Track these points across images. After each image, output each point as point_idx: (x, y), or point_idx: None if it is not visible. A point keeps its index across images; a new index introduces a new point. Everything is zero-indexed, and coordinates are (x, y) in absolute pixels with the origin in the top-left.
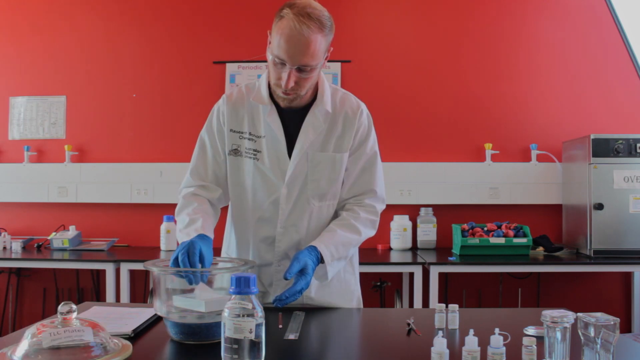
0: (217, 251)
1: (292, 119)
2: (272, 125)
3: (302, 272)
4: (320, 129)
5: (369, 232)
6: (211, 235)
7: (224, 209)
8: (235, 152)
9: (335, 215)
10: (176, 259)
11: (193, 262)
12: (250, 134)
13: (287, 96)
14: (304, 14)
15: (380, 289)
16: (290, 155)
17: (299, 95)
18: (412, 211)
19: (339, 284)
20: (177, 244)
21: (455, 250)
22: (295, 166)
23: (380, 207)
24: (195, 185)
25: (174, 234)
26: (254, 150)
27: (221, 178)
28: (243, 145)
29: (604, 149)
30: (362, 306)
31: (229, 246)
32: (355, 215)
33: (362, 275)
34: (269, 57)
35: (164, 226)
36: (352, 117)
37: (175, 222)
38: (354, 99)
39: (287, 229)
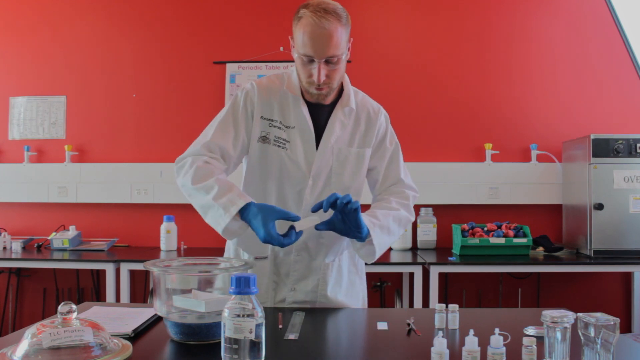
0: (219, 251)
1: (317, 114)
2: (304, 117)
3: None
4: (346, 125)
5: (405, 214)
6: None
7: None
8: (264, 139)
9: None
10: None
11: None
12: (280, 122)
13: (320, 91)
14: (320, 9)
15: (380, 289)
16: (316, 148)
17: (331, 88)
18: None
19: (347, 284)
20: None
21: (455, 250)
22: (322, 159)
23: (411, 194)
24: (207, 155)
25: (174, 234)
26: (283, 139)
27: (229, 158)
28: (272, 133)
29: (604, 149)
30: (367, 306)
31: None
32: (386, 198)
33: None
34: (295, 57)
35: (164, 226)
36: (373, 117)
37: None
38: (372, 100)
39: None
